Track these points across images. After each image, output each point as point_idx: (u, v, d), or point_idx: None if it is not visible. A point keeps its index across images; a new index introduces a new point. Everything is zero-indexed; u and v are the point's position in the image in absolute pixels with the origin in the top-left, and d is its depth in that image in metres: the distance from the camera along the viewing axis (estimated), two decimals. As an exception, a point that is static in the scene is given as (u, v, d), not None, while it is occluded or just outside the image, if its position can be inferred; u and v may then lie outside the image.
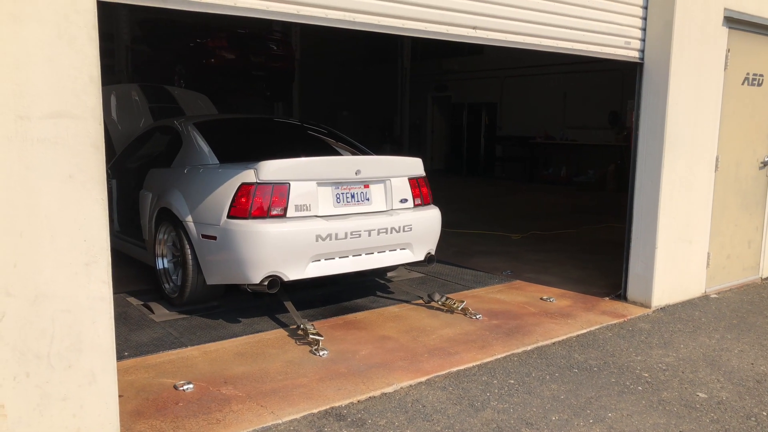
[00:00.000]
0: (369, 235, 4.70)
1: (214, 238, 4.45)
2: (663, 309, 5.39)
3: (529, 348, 4.36)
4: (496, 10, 4.23)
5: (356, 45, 17.06)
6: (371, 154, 5.64)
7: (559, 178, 16.19)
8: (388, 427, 3.22)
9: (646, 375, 4.00)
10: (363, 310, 5.08)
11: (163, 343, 4.23)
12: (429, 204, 5.27)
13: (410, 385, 3.71)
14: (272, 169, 4.38)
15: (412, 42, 19.09)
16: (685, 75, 5.23)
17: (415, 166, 5.18)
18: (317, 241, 4.44)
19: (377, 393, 3.58)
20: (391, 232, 4.83)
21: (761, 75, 6.05)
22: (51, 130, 2.55)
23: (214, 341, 4.30)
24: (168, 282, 5.13)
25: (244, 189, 4.35)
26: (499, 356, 4.18)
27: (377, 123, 20.05)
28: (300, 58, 15.09)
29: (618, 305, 5.42)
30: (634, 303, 5.46)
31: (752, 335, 4.82)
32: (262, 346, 4.24)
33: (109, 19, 12.90)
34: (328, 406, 3.40)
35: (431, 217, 5.17)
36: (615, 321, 5.01)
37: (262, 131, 5.92)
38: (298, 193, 4.47)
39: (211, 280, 4.66)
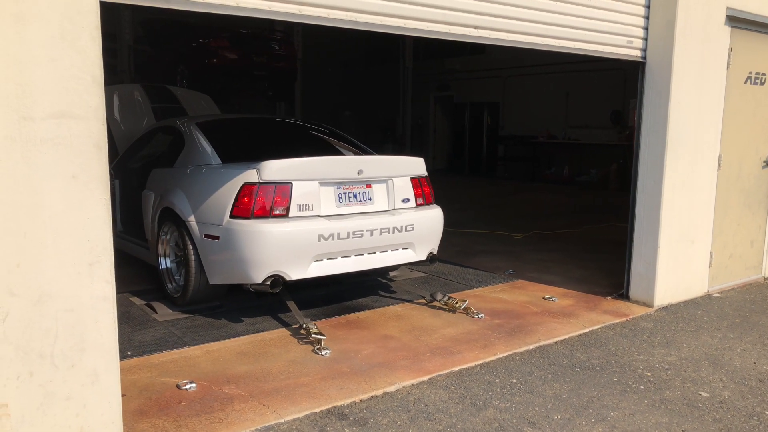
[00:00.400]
0: (371, 234, 4.70)
1: (217, 237, 4.46)
2: (665, 308, 5.39)
3: (531, 347, 4.36)
4: (499, 9, 4.23)
5: (358, 45, 17.06)
6: (373, 154, 5.65)
7: (561, 177, 16.17)
8: (391, 426, 3.22)
9: (649, 374, 4.00)
10: (365, 310, 5.09)
11: (166, 343, 4.24)
12: (431, 203, 5.27)
13: (412, 385, 3.71)
14: (275, 169, 4.38)
15: (415, 41, 19.06)
16: (688, 74, 5.22)
17: (417, 165, 5.18)
18: (319, 240, 4.44)
19: (379, 392, 3.59)
20: (393, 232, 4.84)
21: (764, 74, 6.04)
22: (54, 130, 2.56)
23: (216, 341, 4.31)
24: (171, 282, 5.14)
25: (247, 189, 4.36)
26: (501, 355, 4.19)
27: (379, 123, 20.05)
28: (302, 58, 15.09)
29: (620, 304, 5.42)
30: (637, 302, 5.46)
31: (755, 334, 4.82)
32: (264, 346, 4.24)
33: (112, 20, 12.93)
34: (330, 405, 3.40)
35: (433, 217, 5.17)
36: (617, 320, 5.01)
37: (265, 131, 5.93)
38: (300, 193, 4.48)
39: (213, 280, 4.67)
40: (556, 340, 4.52)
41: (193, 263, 4.71)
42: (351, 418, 3.29)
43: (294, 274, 4.42)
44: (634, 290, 5.49)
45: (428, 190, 5.26)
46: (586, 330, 4.76)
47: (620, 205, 9.38)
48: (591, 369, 4.05)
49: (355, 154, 5.61)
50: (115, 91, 7.44)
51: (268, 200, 4.36)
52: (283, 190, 4.42)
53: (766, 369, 4.16)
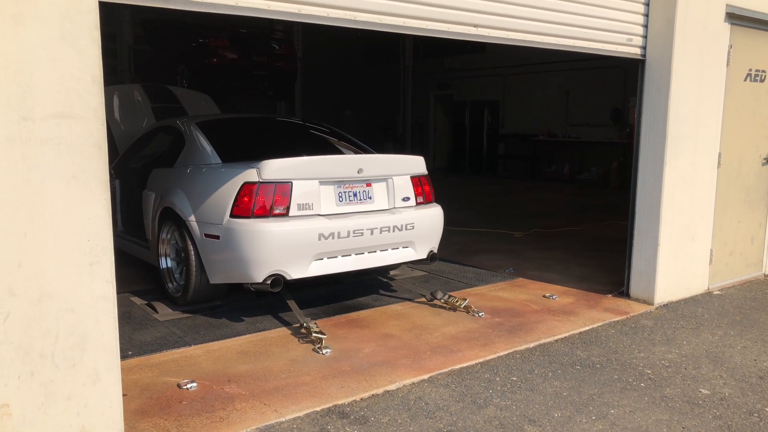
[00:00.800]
0: (371, 233, 4.71)
1: (217, 237, 4.46)
2: (666, 306, 5.39)
3: (531, 345, 4.37)
4: (498, 8, 4.23)
5: (358, 44, 17.05)
6: (373, 153, 5.65)
7: (561, 175, 16.17)
8: (391, 424, 3.23)
9: (649, 372, 4.00)
10: (366, 309, 5.09)
11: (167, 342, 4.24)
12: (431, 202, 5.28)
13: (413, 383, 3.72)
14: (275, 168, 4.39)
15: (414, 40, 19.04)
16: (687, 72, 5.22)
17: (417, 164, 5.18)
18: (320, 239, 4.45)
19: (380, 391, 3.59)
20: (394, 231, 4.84)
21: (764, 71, 6.03)
22: (54, 130, 2.56)
23: (217, 340, 4.31)
24: (171, 281, 5.14)
25: (247, 188, 4.37)
26: (501, 353, 4.19)
27: (379, 122, 20.05)
28: (302, 57, 15.09)
29: (621, 302, 5.42)
30: (637, 300, 5.46)
31: (755, 331, 4.82)
32: (265, 345, 4.25)
33: (112, 20, 12.94)
34: (331, 404, 3.41)
35: (433, 216, 5.18)
36: (618, 318, 5.01)
37: (265, 130, 5.93)
38: (300, 192, 4.48)
39: (214, 280, 4.68)
40: (556, 338, 4.53)
41: (193, 263, 4.72)
42: (352, 417, 3.29)
43: (294, 273, 4.43)
44: (635, 288, 5.49)
45: (428, 189, 5.26)
46: (587, 328, 4.76)
47: (621, 203, 9.38)
48: (591, 367, 4.05)
49: (355, 153, 5.62)
50: (115, 91, 7.44)
51: (268, 199, 4.37)
52: (283, 189, 4.42)
53: (766, 366, 4.16)
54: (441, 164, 19.56)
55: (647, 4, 5.19)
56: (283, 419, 3.24)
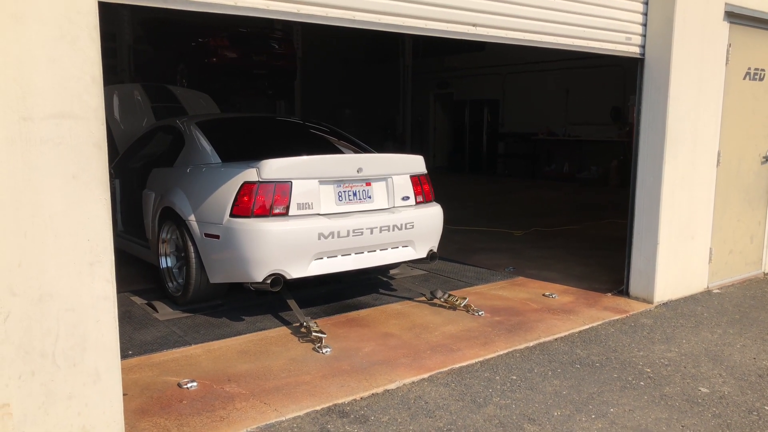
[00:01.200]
0: (371, 232, 4.71)
1: (217, 236, 4.47)
2: (665, 304, 5.39)
3: (531, 344, 4.37)
4: (496, 7, 4.23)
5: (358, 43, 17.05)
6: (373, 152, 5.65)
7: (561, 174, 16.17)
8: (391, 423, 3.24)
9: (649, 370, 4.01)
10: (366, 308, 5.10)
11: (167, 342, 4.25)
12: (431, 201, 5.28)
13: (413, 382, 3.72)
14: (274, 168, 4.39)
15: (414, 39, 19.04)
16: (686, 70, 5.23)
17: (416, 163, 5.19)
18: (320, 239, 4.45)
19: (380, 390, 3.60)
20: (393, 230, 4.85)
21: (763, 69, 6.04)
22: (54, 130, 2.57)
23: (217, 339, 4.32)
24: (171, 281, 5.15)
25: (247, 188, 4.37)
26: (501, 352, 4.20)
27: (379, 121, 20.03)
28: (302, 57, 15.09)
29: (620, 301, 5.43)
30: (637, 299, 5.46)
31: (755, 330, 4.83)
32: (265, 344, 4.26)
33: (111, 19, 12.92)
34: (331, 403, 3.42)
35: (433, 215, 5.18)
36: (617, 317, 5.02)
37: (264, 130, 5.94)
38: (300, 192, 4.48)
39: (214, 279, 4.68)
40: (556, 336, 4.53)
41: (193, 262, 4.72)
42: (352, 416, 3.30)
43: (294, 272, 4.44)
44: (634, 287, 5.50)
45: (428, 188, 5.27)
46: (586, 326, 4.77)
47: (620, 202, 9.37)
48: (591, 365, 4.06)
49: (355, 152, 5.62)
50: (115, 91, 7.44)
51: (268, 199, 4.37)
52: (282, 188, 4.42)
53: (765, 364, 4.16)
54: (441, 163, 19.56)
55: (646, 3, 5.20)
56: (284, 418, 3.24)
